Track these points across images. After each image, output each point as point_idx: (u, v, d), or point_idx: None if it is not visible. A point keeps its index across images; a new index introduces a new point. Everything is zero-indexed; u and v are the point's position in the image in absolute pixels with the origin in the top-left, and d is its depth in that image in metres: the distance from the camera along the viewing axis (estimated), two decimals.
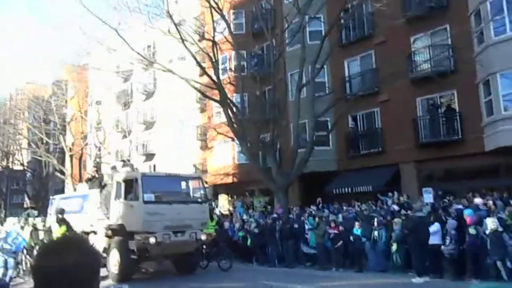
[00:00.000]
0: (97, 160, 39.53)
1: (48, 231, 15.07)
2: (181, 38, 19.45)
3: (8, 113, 51.59)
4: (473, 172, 17.89)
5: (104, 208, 13.92)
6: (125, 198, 13.03)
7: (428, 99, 19.64)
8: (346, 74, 22.69)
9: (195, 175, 15.60)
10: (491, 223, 10.83)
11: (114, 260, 12.91)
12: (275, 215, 17.43)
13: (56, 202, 17.79)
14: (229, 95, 21.40)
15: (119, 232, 13.09)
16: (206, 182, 14.90)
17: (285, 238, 15.70)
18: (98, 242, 13.19)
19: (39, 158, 43.06)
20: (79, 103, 40.27)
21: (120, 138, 38.99)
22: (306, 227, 15.92)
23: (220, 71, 21.97)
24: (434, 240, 11.76)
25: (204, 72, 21.23)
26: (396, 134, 19.86)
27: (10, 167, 53.91)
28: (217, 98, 20.60)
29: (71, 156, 39.72)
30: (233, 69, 24.80)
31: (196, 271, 14.26)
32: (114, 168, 15.69)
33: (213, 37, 20.30)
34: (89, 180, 16.63)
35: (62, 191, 46.38)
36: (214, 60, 20.15)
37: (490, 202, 12.98)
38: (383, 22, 19.00)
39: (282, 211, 18.35)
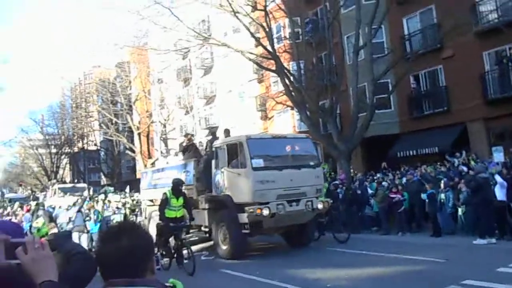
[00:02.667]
0: (163, 136, 41.06)
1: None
2: (233, 10, 19.46)
3: (79, 98, 54.71)
4: None
5: (204, 179, 12.78)
6: (228, 166, 11.72)
7: (497, 51, 18.44)
8: (406, 32, 21.73)
9: (304, 136, 13.44)
10: None
11: (222, 236, 11.75)
12: (337, 182, 17.39)
13: (149, 175, 16.98)
14: (285, 64, 21.25)
15: (225, 204, 11.73)
16: (317, 143, 12.95)
17: (348, 204, 15.68)
18: (199, 216, 12.09)
19: (110, 138, 45.44)
20: (142, 82, 41.71)
21: (183, 114, 40.14)
22: (369, 191, 15.83)
23: (275, 40, 21.79)
24: (500, 197, 11.33)
25: (258, 43, 21.18)
26: (462, 91, 18.92)
27: (86, 148, 57.52)
28: (273, 68, 20.56)
29: (139, 134, 41.51)
30: (287, 37, 24.52)
31: (310, 244, 12.79)
32: (213, 134, 14.71)
33: (265, 6, 20.12)
34: (184, 149, 15.18)
35: (133, 167, 48.98)
36: (267, 29, 20.02)
37: None
38: None
39: (345, 177, 18.27)
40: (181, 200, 11.02)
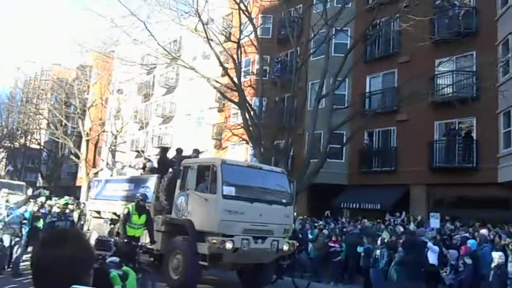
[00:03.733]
0: (112, 147, 40.03)
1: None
2: (207, 37, 19.64)
3: (31, 93, 52.66)
4: (484, 202, 17.68)
5: (164, 198, 11.76)
6: (196, 189, 10.78)
7: (447, 123, 19.51)
8: (367, 89, 22.65)
9: (279, 169, 12.59)
10: (498, 257, 10.71)
11: (174, 264, 10.73)
12: None
13: (101, 184, 15.91)
14: (248, 98, 21.51)
15: (185, 230, 10.68)
16: (291, 181, 12.09)
17: None
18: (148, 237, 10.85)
19: (56, 139, 43.76)
20: (101, 90, 40.86)
21: (137, 128, 39.43)
22: (309, 237, 15.96)
23: (242, 74, 22.10)
24: (432, 260, 11.76)
25: (226, 73, 21.38)
26: (410, 155, 19.74)
27: (27, 145, 54.94)
28: (236, 99, 20.73)
29: (87, 141, 40.28)
30: (255, 73, 24.92)
31: (265, 286, 12.01)
32: (178, 152, 13.44)
33: (239, 39, 20.46)
34: (147, 161, 14.22)
35: (74, 174, 47.18)
36: (237, 62, 20.29)
37: (495, 235, 12.83)
38: (409, 42, 18.96)
39: None
40: (143, 218, 10.13)
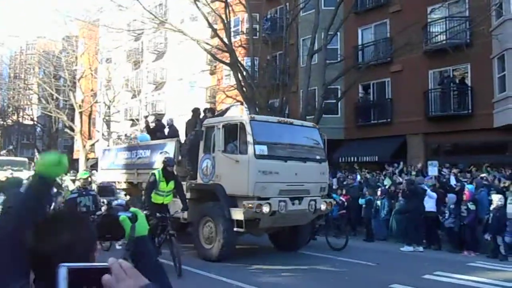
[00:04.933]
0: (106, 118, 39.77)
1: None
2: None
3: (18, 68, 51.74)
4: (480, 147, 17.86)
5: (187, 164, 10.94)
6: (222, 149, 9.90)
7: (441, 72, 19.41)
8: (359, 42, 22.37)
9: (311, 124, 11.78)
10: (497, 200, 10.87)
11: (206, 233, 9.96)
12: None
13: (112, 153, 14.99)
14: (239, 58, 21.22)
15: (215, 196, 9.86)
16: (323, 135, 11.24)
17: None
18: (176, 207, 9.63)
19: (49, 114, 43.30)
20: (89, 60, 40.13)
21: (130, 97, 39.09)
22: None
23: (232, 34, 21.71)
24: (429, 208, 11.99)
25: (215, 34, 20.99)
26: (406, 105, 19.73)
27: (21, 121, 54.50)
28: (228, 60, 20.46)
29: (80, 113, 39.94)
30: (245, 32, 24.49)
31: (300, 249, 11.30)
32: (206, 110, 12.57)
33: None
34: (153, 130, 13.36)
35: (71, 147, 47.10)
36: (226, 22, 19.90)
37: (494, 179, 13.03)
38: None
39: None
40: (171, 184, 9.18)
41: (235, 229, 9.41)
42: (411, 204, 12.10)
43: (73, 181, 14.93)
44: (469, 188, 11.88)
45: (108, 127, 38.45)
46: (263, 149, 9.48)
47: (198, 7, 19.78)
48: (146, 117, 15.48)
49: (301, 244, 11.32)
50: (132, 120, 37.69)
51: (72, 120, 40.88)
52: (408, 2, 19.03)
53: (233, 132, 9.79)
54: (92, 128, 43.17)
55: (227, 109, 12.87)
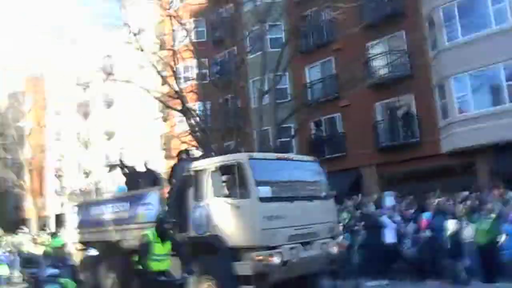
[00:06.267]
0: (58, 173, 38.46)
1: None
2: (140, 47, 19.19)
3: None
4: (431, 173, 18.37)
5: (175, 215, 9.48)
6: (217, 195, 8.77)
7: (387, 103, 20.12)
8: (307, 80, 22.97)
9: (311, 157, 10.70)
10: (452, 226, 11.08)
11: None
12: None
13: (82, 210, 13.21)
14: (191, 104, 21.25)
15: (213, 249, 8.63)
16: (324, 168, 10.39)
17: None
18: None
19: None
20: (37, 114, 39.11)
21: (81, 149, 38.08)
22: None
23: (182, 80, 21.80)
24: (389, 239, 12.06)
25: (165, 81, 21.00)
26: (357, 138, 20.22)
27: None
28: (179, 107, 20.42)
29: (30, 170, 38.44)
30: (194, 78, 24.64)
31: None
32: (186, 153, 11.23)
33: (173, 46, 20.14)
34: (133, 174, 12.05)
35: (21, 207, 44.81)
36: (174, 69, 19.98)
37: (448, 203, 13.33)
38: (341, 29, 19.37)
39: None
40: (168, 245, 7.82)
41: (243, 287, 8.15)
42: (370, 237, 12.15)
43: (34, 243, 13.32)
44: (426, 215, 12.07)
45: (61, 182, 37.15)
46: (266, 191, 8.43)
47: (145, 57, 19.77)
48: (120, 161, 13.88)
49: None
50: (86, 173, 36.59)
51: (21, 178, 39.20)
52: (349, 39, 19.78)
53: (229, 174, 8.74)
54: (43, 184, 41.56)
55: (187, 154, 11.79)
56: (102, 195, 31.51)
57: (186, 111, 19.83)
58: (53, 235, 13.07)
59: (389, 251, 12.18)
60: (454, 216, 11.88)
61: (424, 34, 18.20)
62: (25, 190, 37.79)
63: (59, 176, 37.90)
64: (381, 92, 19.65)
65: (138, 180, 11.92)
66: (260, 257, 7.89)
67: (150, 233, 7.79)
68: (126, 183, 12.44)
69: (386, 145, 19.57)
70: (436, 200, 13.73)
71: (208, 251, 8.66)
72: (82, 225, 12.91)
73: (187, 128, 21.31)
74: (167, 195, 10.11)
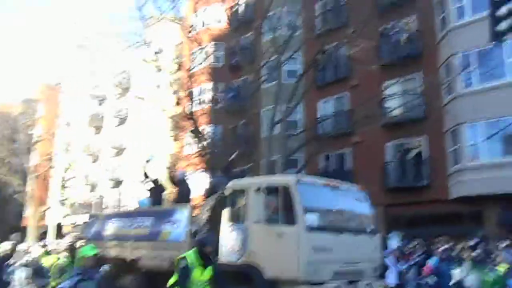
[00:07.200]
0: (63, 183, 38.45)
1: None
2: (159, 67, 19.44)
3: None
4: (437, 218, 18.11)
5: (206, 237, 8.21)
6: (258, 219, 7.94)
7: (398, 144, 20.03)
8: (320, 114, 22.98)
9: (357, 186, 9.92)
10: (458, 274, 10.83)
11: None
12: None
13: (98, 222, 12.15)
14: (203, 126, 21.32)
15: (246, 279, 7.63)
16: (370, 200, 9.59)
17: None
18: None
19: None
20: (48, 123, 39.44)
21: (89, 162, 38.16)
22: None
23: (196, 102, 21.93)
24: (394, 280, 11.79)
25: (179, 102, 21.15)
26: (366, 176, 19.99)
27: None
28: (191, 128, 20.49)
29: (35, 177, 38.50)
30: (208, 101, 24.81)
31: None
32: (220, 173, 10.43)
33: (190, 69, 20.35)
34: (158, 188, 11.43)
35: (20, 213, 44.65)
36: (189, 91, 20.14)
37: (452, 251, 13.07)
38: (358, 66, 19.49)
39: None
40: (209, 271, 6.43)
41: None
42: None
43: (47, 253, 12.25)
44: (432, 261, 11.81)
45: (64, 192, 37.11)
46: (314, 219, 7.61)
47: (162, 76, 19.99)
48: (145, 173, 12.59)
49: None
50: (91, 185, 36.57)
51: (25, 185, 39.21)
52: (366, 77, 19.89)
53: (273, 196, 7.89)
54: (46, 193, 41.52)
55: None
56: (103, 210, 31.41)
57: (197, 133, 19.89)
58: (44, 246, 12.46)
59: None
60: (460, 264, 11.64)
61: (440, 78, 18.25)
62: (28, 197, 37.73)
63: (63, 187, 37.88)
64: (394, 132, 19.60)
65: (161, 194, 11.41)
66: None
67: (190, 255, 6.56)
68: (150, 196, 11.65)
69: (394, 186, 19.38)
70: (444, 246, 13.50)
71: (240, 281, 7.61)
72: (95, 238, 11.52)
73: (195, 149, 21.32)
74: (200, 214, 9.15)
